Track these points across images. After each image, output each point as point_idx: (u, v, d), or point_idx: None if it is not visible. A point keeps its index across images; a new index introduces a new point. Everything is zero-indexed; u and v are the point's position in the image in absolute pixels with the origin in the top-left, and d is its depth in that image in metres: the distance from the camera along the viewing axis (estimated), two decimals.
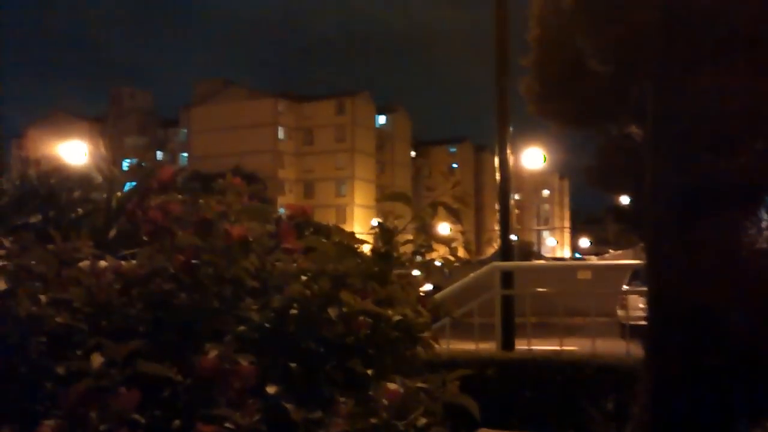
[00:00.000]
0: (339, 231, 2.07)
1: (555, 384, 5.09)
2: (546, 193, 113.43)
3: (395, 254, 2.05)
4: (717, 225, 2.70)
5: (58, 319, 1.58)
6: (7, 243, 1.65)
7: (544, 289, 6.78)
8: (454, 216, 2.06)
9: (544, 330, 6.97)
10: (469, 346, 6.12)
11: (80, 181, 3.11)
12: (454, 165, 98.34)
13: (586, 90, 3.83)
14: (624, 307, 11.54)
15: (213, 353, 1.50)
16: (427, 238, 2.34)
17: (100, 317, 1.69)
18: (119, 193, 3.06)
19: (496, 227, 8.12)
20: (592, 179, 4.80)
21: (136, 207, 2.23)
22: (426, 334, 2.36)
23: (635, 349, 4.60)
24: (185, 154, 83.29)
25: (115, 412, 1.31)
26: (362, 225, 68.00)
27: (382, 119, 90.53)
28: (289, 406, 1.54)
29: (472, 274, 6.50)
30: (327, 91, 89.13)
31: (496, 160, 7.37)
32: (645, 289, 3.07)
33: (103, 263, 1.87)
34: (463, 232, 2.52)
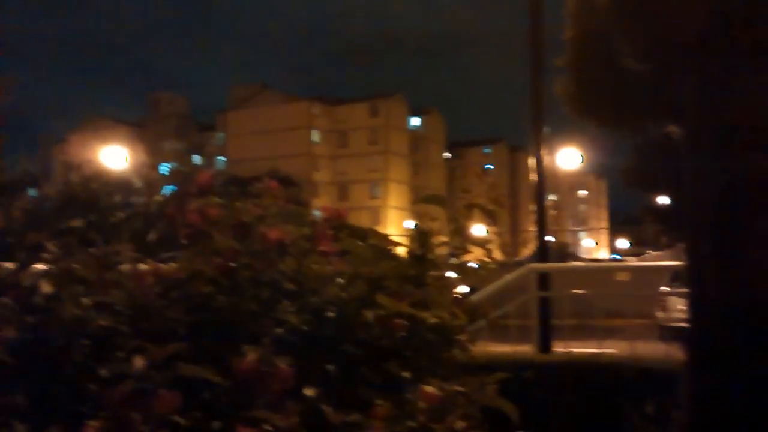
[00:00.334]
0: (374, 233, 2.07)
1: (594, 387, 5.02)
2: (583, 193, 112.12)
3: (431, 256, 2.04)
4: (761, 224, 2.64)
5: (101, 322, 1.61)
6: (51, 247, 1.68)
7: (582, 291, 6.70)
8: (490, 217, 2.05)
9: (581, 332, 6.89)
10: (505, 348, 6.08)
11: (120, 185, 3.17)
12: (489, 166, 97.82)
13: (622, 89, 3.78)
14: (664, 308, 11.35)
15: (252, 355, 1.52)
16: (462, 240, 2.33)
17: (141, 320, 1.71)
18: (158, 197, 3.10)
19: (532, 228, 8.05)
20: (630, 179, 4.74)
21: (176, 211, 2.26)
22: (462, 337, 2.35)
23: (675, 352, 4.52)
24: (222, 158, 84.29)
25: (156, 414, 1.33)
26: (396, 227, 67.99)
27: (415, 121, 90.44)
28: (326, 408, 1.54)
29: (508, 276, 6.45)
30: (361, 93, 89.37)
31: (532, 161, 7.31)
32: (685, 290, 3.01)
33: (143, 266, 1.90)
34: (499, 234, 2.51)
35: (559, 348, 6.36)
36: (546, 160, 7.28)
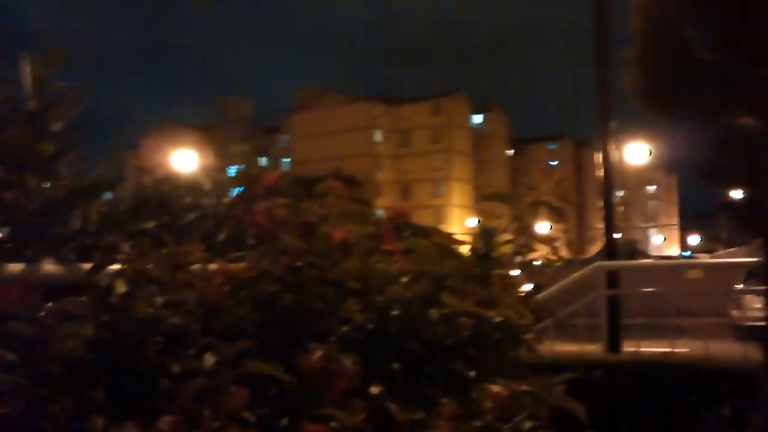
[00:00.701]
0: (438, 232, 2.07)
1: (665, 388, 4.89)
2: (652, 189, 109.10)
3: (495, 255, 2.02)
4: None
5: (173, 320, 1.65)
6: (126, 248, 1.74)
7: (652, 289, 6.53)
8: (557, 214, 2.03)
9: (651, 331, 6.71)
10: (573, 348, 5.98)
11: (190, 187, 3.25)
12: (554, 162, 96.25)
13: (694, 80, 3.66)
14: (739, 307, 10.93)
15: (317, 353, 1.54)
16: (527, 237, 2.30)
17: (211, 318, 1.76)
18: (226, 199, 3.17)
19: (599, 225, 7.88)
20: (703, 174, 4.57)
21: (243, 212, 2.31)
22: (529, 336, 2.32)
23: (752, 352, 4.36)
24: (287, 159, 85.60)
25: (226, 410, 1.36)
26: (459, 225, 67.63)
27: (478, 118, 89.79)
28: (393, 406, 1.55)
29: (575, 274, 6.34)
30: (422, 92, 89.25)
31: (599, 156, 7.16)
32: (762, 287, 2.89)
33: (212, 266, 1.94)
34: (566, 231, 2.46)
35: (629, 347, 6.21)
36: (613, 155, 7.12)
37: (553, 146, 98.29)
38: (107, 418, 1.43)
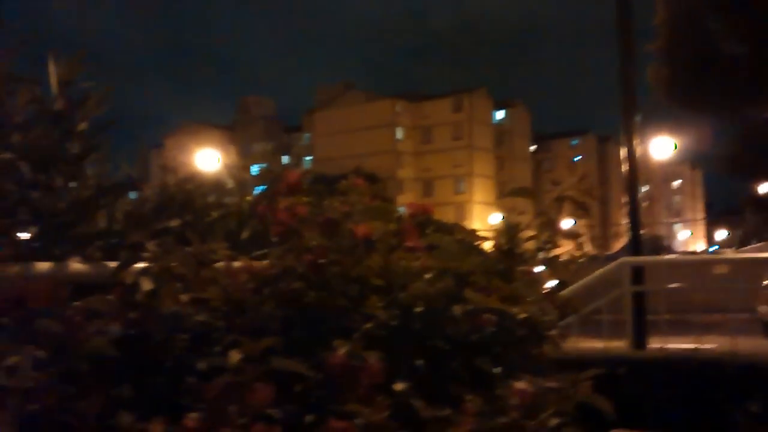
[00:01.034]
0: (461, 229, 2.06)
1: (692, 384, 4.83)
2: (677, 183, 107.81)
3: (519, 251, 2.01)
4: None
5: (198, 318, 1.66)
6: (151, 246, 1.75)
7: (678, 285, 6.46)
8: (583, 210, 2.00)
9: (677, 327, 6.63)
10: (598, 344, 5.93)
11: (214, 186, 3.27)
12: (577, 158, 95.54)
13: (720, 73, 3.60)
14: (767, 302, 10.76)
15: (342, 350, 1.54)
16: (551, 233, 2.28)
17: (236, 315, 1.77)
18: (250, 197, 3.19)
19: (624, 221, 7.81)
20: (729, 167, 4.51)
21: (266, 209, 2.32)
22: (553, 332, 2.31)
23: None
24: (309, 157, 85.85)
25: (252, 407, 1.37)
26: (481, 222, 67.37)
27: (500, 114, 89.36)
28: (417, 403, 1.55)
29: (599, 270, 6.29)
30: (444, 89, 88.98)
31: (623, 151, 7.08)
32: None
33: (236, 264, 1.95)
34: (590, 227, 2.44)
35: (655, 344, 6.15)
36: (638, 149, 7.05)
37: (576, 141, 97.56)
38: (134, 415, 1.44)
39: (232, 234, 2.82)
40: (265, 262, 2.02)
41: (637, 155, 7.04)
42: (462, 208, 78.75)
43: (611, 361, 4.90)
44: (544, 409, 1.65)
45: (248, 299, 1.80)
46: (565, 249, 2.50)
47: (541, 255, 2.36)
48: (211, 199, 3.04)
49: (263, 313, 1.81)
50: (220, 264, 1.88)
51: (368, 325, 1.77)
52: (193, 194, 2.88)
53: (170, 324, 1.62)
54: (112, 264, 2.20)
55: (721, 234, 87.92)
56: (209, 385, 1.39)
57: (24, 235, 2.32)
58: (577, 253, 2.54)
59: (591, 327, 5.89)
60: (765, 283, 9.91)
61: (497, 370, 1.84)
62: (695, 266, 11.71)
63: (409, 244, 2.05)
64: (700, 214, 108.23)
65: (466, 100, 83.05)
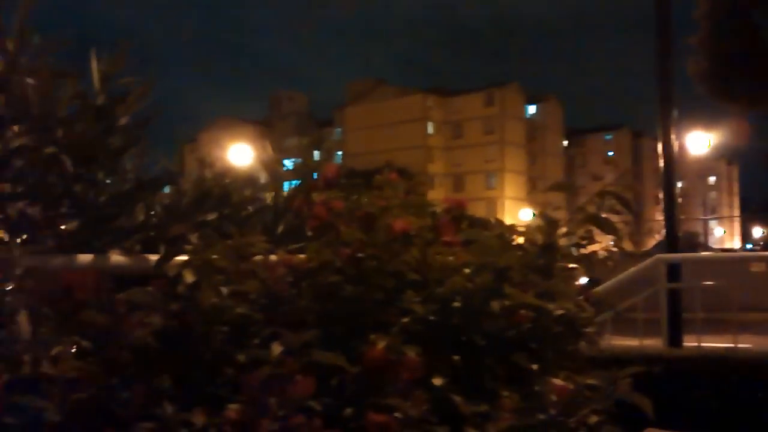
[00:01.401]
0: (499, 223, 2.05)
1: (729, 384, 4.75)
2: (712, 179, 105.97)
3: (559, 246, 2.00)
4: None
5: (238, 310, 1.68)
6: (194, 239, 1.78)
7: (713, 283, 6.35)
8: (625, 206, 1.98)
9: (713, 326, 6.52)
10: (632, 342, 5.86)
11: (249, 180, 3.30)
12: (610, 153, 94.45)
13: (762, 66, 3.53)
14: None
15: (381, 344, 1.54)
16: (588, 229, 2.26)
17: (274, 308, 1.78)
18: (284, 192, 3.21)
19: (659, 217, 7.69)
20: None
21: (302, 203, 2.33)
22: (590, 329, 2.29)
23: None
24: (340, 152, 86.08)
25: (292, 399, 1.38)
26: (512, 217, 66.96)
27: (532, 109, 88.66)
28: (457, 398, 1.54)
29: (633, 267, 6.21)
30: (475, 83, 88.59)
31: (659, 146, 6.97)
32: None
33: (273, 257, 1.97)
34: (628, 223, 2.41)
35: (690, 342, 6.06)
36: (675, 145, 6.93)
37: (609, 136, 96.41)
38: (176, 406, 1.46)
39: (268, 227, 2.85)
40: (302, 256, 2.04)
41: (674, 150, 6.92)
42: (493, 204, 78.31)
43: (646, 359, 4.85)
44: (583, 406, 1.64)
45: (286, 292, 1.81)
46: (602, 245, 2.47)
47: (577, 251, 2.34)
48: (247, 192, 3.08)
49: (301, 307, 1.82)
50: (259, 257, 1.90)
51: (405, 320, 1.77)
52: (229, 188, 2.92)
53: (211, 316, 1.64)
54: (152, 257, 2.25)
55: (757, 231, 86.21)
56: (250, 377, 1.40)
57: (63, 227, 2.37)
58: (615, 250, 2.51)
59: (625, 324, 5.82)
60: None
61: (535, 366, 1.83)
62: (732, 263, 11.50)
63: (446, 238, 2.05)
64: (736, 211, 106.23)
65: (498, 95, 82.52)
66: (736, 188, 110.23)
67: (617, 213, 2.23)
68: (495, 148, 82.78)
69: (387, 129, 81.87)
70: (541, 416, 1.59)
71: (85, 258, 2.10)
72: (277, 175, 3.59)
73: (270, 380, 1.37)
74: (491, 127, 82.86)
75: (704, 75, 3.90)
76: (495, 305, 1.80)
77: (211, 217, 2.73)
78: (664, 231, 7.27)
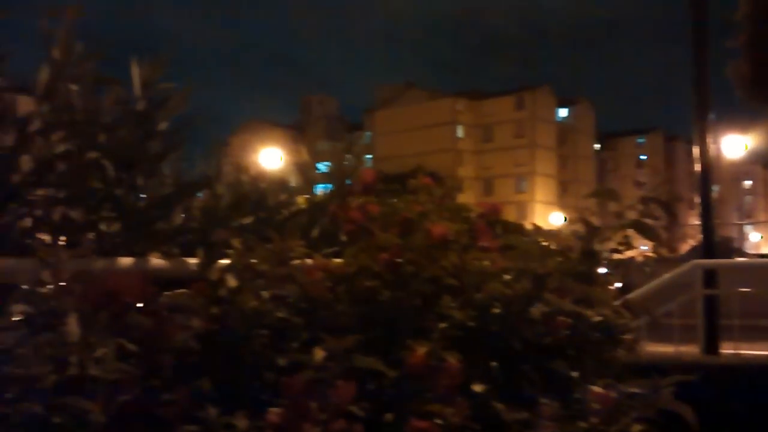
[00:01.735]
0: (537, 229, 2.04)
1: None
2: (748, 183, 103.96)
3: (600, 252, 1.98)
4: None
5: (278, 314, 1.69)
6: (236, 244, 1.79)
7: (751, 289, 6.22)
8: (669, 213, 1.95)
9: (751, 333, 6.39)
10: (667, 348, 5.77)
11: (282, 184, 3.32)
12: (643, 156, 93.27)
13: None
14: None
15: (421, 350, 1.54)
16: (626, 235, 2.23)
17: (313, 312, 1.79)
18: (319, 196, 3.23)
19: (693, 221, 7.56)
20: None
21: (338, 208, 2.34)
22: (628, 336, 2.26)
23: None
24: (369, 156, 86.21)
25: (333, 404, 1.38)
26: (543, 221, 66.38)
27: (563, 112, 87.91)
28: (499, 405, 1.54)
29: (670, 273, 6.12)
30: (506, 87, 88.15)
31: (695, 150, 6.86)
32: None
33: (310, 261, 1.98)
34: (666, 228, 2.37)
35: (728, 349, 5.95)
36: (711, 148, 6.82)
37: (642, 140, 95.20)
38: (218, 409, 1.48)
39: (302, 231, 2.86)
40: (338, 260, 2.04)
41: (710, 154, 6.81)
42: (523, 208, 77.77)
43: (683, 367, 4.77)
44: (625, 415, 1.62)
45: (324, 297, 1.82)
46: (640, 250, 2.44)
47: (614, 256, 2.31)
48: (283, 197, 3.10)
49: (339, 311, 1.83)
50: (297, 261, 1.91)
51: (443, 325, 1.77)
52: (265, 192, 2.94)
53: (251, 320, 1.65)
54: (190, 260, 2.27)
55: None
56: (292, 381, 1.41)
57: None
58: (653, 255, 2.48)
59: (660, 330, 5.73)
60: None
61: (575, 373, 1.81)
62: None
63: (483, 243, 2.04)
64: None
65: (529, 98, 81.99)
66: None
67: (656, 218, 2.20)
68: (525, 151, 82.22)
69: (417, 132, 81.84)
70: (583, 424, 1.57)
71: (127, 261, 2.13)
72: (311, 179, 3.61)
73: (312, 385, 1.38)
74: (522, 131, 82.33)
75: (744, 78, 3.83)
76: (535, 312, 1.79)
77: (248, 220, 2.75)
78: (699, 236, 7.15)
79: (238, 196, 2.76)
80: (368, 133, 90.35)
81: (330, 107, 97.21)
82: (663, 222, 2.26)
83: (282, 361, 1.59)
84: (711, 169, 6.80)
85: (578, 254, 1.95)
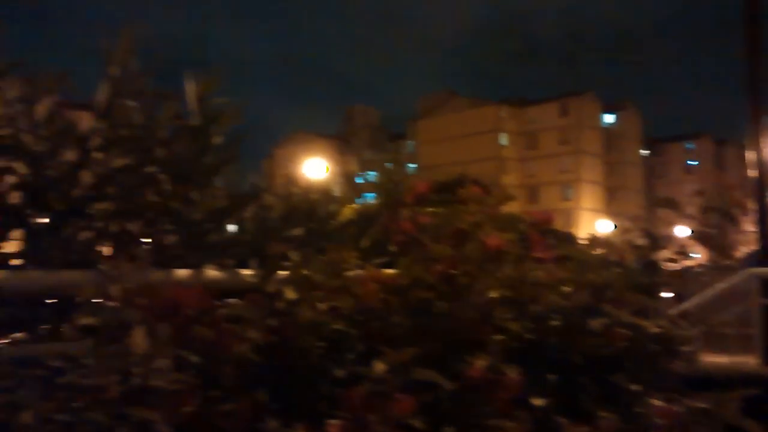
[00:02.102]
0: (595, 240, 2.01)
1: None
2: None
3: (662, 263, 1.94)
4: None
5: (335, 326, 1.70)
6: (294, 256, 1.81)
7: None
8: (731, 221, 1.90)
9: None
10: (722, 359, 5.62)
11: (330, 195, 3.34)
12: (692, 162, 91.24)
13: None
14: None
15: (480, 362, 1.53)
16: (682, 245, 2.18)
17: (368, 324, 1.79)
18: (364, 205, 3.24)
19: (748, 228, 7.35)
20: None
21: (389, 219, 2.34)
22: (687, 348, 2.21)
23: None
24: (412, 165, 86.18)
25: (393, 416, 1.38)
26: (589, 229, 65.34)
27: (609, 118, 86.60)
28: (562, 420, 1.51)
29: (724, 282, 5.97)
30: (550, 93, 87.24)
31: (748, 155, 6.68)
32: None
33: (363, 272, 1.98)
34: (725, 237, 2.31)
35: None
36: (766, 153, 6.63)
37: (691, 145, 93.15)
38: (277, 421, 1.49)
39: (352, 242, 2.87)
40: (390, 271, 2.04)
41: (766, 159, 6.63)
42: (569, 215, 76.73)
43: (742, 379, 4.63)
44: (690, 430, 1.58)
45: (379, 308, 1.82)
46: (697, 258, 2.39)
47: (670, 265, 2.26)
48: (332, 207, 3.11)
49: (393, 323, 1.82)
50: (350, 273, 1.91)
51: (500, 337, 1.75)
52: (316, 203, 2.96)
53: (308, 331, 1.66)
54: (245, 271, 2.30)
55: None
56: (351, 394, 1.41)
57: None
58: (707, 264, 2.42)
59: (714, 340, 5.59)
60: None
61: (635, 386, 1.77)
62: None
63: (537, 254, 2.02)
64: None
65: (573, 104, 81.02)
66: None
67: (716, 227, 2.15)
68: (570, 158, 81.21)
69: (460, 141, 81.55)
70: None
71: (185, 273, 2.17)
72: (358, 189, 3.63)
73: (371, 397, 1.38)
74: (566, 137, 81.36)
75: None
76: (595, 324, 1.76)
77: (298, 232, 2.77)
78: (754, 242, 6.94)
79: (288, 208, 2.78)
80: (411, 143, 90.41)
81: (372, 117, 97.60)
82: (723, 230, 2.20)
83: (340, 373, 1.60)
84: (766, 174, 6.61)
85: (638, 265, 1.92)
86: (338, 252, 1.84)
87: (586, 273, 1.84)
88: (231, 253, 2.57)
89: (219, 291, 1.88)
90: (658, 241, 1.89)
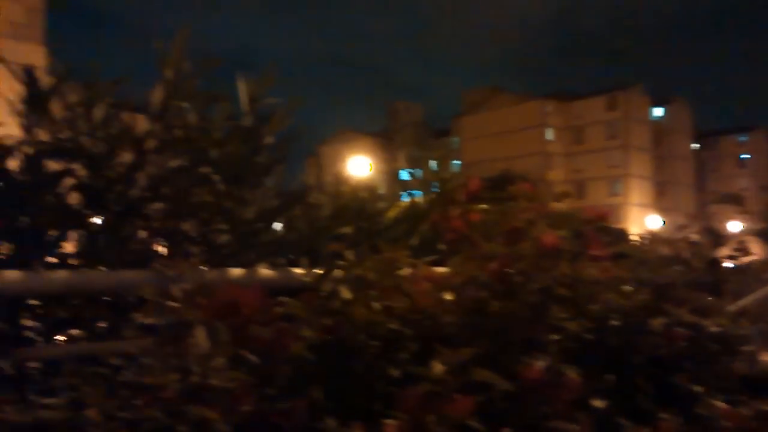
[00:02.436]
0: (653, 236, 1.96)
1: None
2: None
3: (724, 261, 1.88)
4: None
5: (390, 325, 1.69)
6: (350, 256, 1.81)
7: None
8: None
9: None
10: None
11: (378, 193, 3.34)
12: (745, 155, 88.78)
13: None
14: None
15: (539, 363, 1.50)
16: (742, 241, 2.12)
17: (421, 323, 1.78)
18: (412, 203, 3.23)
19: None
20: None
21: (440, 217, 2.33)
22: (748, 348, 2.15)
23: None
24: (457, 162, 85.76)
25: (451, 418, 1.37)
26: (638, 224, 64.13)
27: (658, 112, 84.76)
28: (625, 422, 1.48)
29: None
30: (597, 87, 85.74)
31: None
32: None
33: (416, 271, 1.97)
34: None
35: None
36: None
37: (744, 138, 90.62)
38: (334, 420, 1.49)
39: (402, 240, 2.86)
40: (443, 269, 2.02)
41: None
42: (617, 211, 75.41)
43: None
44: None
45: (432, 307, 1.81)
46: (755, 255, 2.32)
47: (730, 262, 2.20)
48: (381, 205, 3.12)
49: (447, 322, 1.81)
50: (403, 271, 1.91)
51: (556, 337, 1.72)
52: (365, 201, 2.96)
53: (363, 331, 1.66)
54: (296, 270, 2.31)
55: None
56: (408, 394, 1.41)
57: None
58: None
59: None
60: None
61: (698, 388, 1.73)
62: None
63: (594, 252, 1.98)
64: None
65: (621, 98, 79.50)
66: None
67: None
68: (618, 153, 79.72)
69: (505, 136, 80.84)
70: None
71: (239, 272, 2.20)
72: (406, 186, 3.62)
73: (429, 397, 1.37)
74: (614, 132, 79.89)
75: None
76: (656, 323, 1.72)
77: (348, 230, 2.78)
78: None
79: (337, 206, 2.79)
80: (456, 139, 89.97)
81: (416, 113, 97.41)
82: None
83: (395, 372, 1.59)
84: None
85: (701, 263, 1.87)
86: (392, 250, 1.83)
87: (646, 271, 1.80)
88: (283, 251, 2.59)
89: (270, 289, 1.90)
90: (720, 238, 1.84)
